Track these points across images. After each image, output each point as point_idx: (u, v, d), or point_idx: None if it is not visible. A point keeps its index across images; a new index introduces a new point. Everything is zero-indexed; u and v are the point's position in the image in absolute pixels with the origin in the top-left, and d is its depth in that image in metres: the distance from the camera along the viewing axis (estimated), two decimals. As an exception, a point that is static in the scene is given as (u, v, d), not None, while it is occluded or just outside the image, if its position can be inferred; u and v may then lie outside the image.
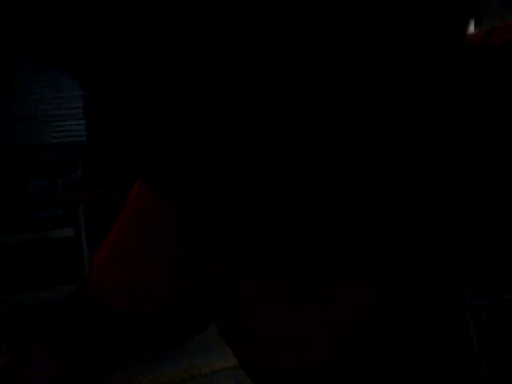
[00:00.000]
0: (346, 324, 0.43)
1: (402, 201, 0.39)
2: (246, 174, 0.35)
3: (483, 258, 0.39)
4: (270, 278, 0.44)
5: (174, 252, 0.51)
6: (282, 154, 0.33)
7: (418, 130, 0.37)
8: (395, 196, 0.39)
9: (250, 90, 0.31)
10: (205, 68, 0.31)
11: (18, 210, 4.89)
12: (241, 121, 0.32)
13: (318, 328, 0.44)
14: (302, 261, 0.42)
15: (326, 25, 0.30)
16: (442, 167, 0.40)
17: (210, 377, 2.53)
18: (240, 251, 0.45)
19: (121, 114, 0.33)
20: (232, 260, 0.47)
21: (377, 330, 0.43)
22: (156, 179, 0.43)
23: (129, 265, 0.54)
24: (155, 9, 0.29)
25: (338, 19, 0.29)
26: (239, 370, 0.50)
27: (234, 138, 0.33)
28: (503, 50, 0.40)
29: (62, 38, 0.31)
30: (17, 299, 4.06)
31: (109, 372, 0.58)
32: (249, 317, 0.47)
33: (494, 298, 0.39)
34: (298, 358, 0.45)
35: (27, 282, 4.36)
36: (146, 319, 0.54)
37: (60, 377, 0.56)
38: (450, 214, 0.40)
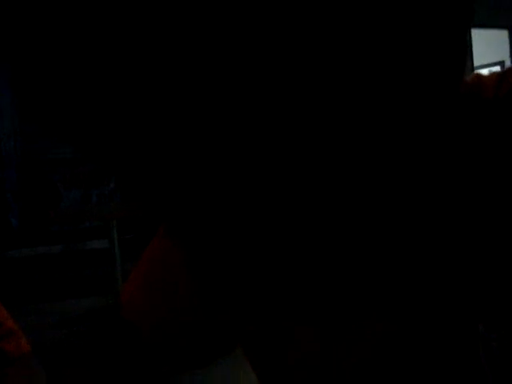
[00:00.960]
0: (361, 354, 0.44)
1: (410, 247, 0.40)
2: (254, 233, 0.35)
3: (496, 295, 0.39)
4: (296, 316, 0.45)
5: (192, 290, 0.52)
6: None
7: (420, 184, 0.37)
8: (403, 244, 0.39)
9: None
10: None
11: (52, 221, 4.97)
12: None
13: (338, 356, 0.45)
14: (319, 302, 0.42)
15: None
16: (448, 216, 0.40)
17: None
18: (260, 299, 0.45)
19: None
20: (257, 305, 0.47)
21: (390, 361, 0.43)
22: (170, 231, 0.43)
23: (153, 294, 0.55)
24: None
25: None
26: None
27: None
28: (508, 100, 0.39)
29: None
30: (52, 308, 4.11)
31: None
32: (276, 342, 0.48)
33: (505, 331, 0.39)
34: (319, 380, 0.47)
35: (61, 292, 4.42)
36: (171, 341, 0.56)
37: None
38: (462, 256, 0.40)
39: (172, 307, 0.54)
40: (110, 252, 3.78)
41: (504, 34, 7.28)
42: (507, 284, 0.39)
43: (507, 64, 7.10)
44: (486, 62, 7.25)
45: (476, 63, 6.80)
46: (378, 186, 0.34)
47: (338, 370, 0.45)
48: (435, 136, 0.36)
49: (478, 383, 0.40)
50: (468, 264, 0.40)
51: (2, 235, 4.83)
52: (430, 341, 0.42)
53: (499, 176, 0.40)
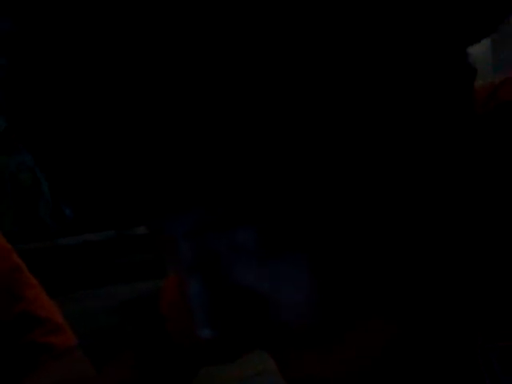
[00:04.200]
0: (358, 361, 0.44)
1: (410, 244, 0.39)
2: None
3: (494, 303, 0.39)
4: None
5: None
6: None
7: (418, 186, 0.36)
8: (403, 241, 0.38)
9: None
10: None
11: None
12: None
13: (335, 365, 0.45)
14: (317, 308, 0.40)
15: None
16: (447, 218, 0.39)
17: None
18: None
19: None
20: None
21: (388, 368, 0.43)
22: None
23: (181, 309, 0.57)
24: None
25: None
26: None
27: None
28: (494, 117, 0.38)
29: None
30: (107, 292, 4.19)
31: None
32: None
33: (505, 343, 0.39)
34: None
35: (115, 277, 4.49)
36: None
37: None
38: (461, 259, 0.39)
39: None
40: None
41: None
42: (504, 287, 0.39)
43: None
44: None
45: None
46: (379, 186, 0.35)
47: (339, 373, 0.45)
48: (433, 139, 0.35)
49: None
50: (468, 266, 0.40)
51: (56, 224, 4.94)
52: (430, 344, 0.41)
53: (492, 183, 0.39)
